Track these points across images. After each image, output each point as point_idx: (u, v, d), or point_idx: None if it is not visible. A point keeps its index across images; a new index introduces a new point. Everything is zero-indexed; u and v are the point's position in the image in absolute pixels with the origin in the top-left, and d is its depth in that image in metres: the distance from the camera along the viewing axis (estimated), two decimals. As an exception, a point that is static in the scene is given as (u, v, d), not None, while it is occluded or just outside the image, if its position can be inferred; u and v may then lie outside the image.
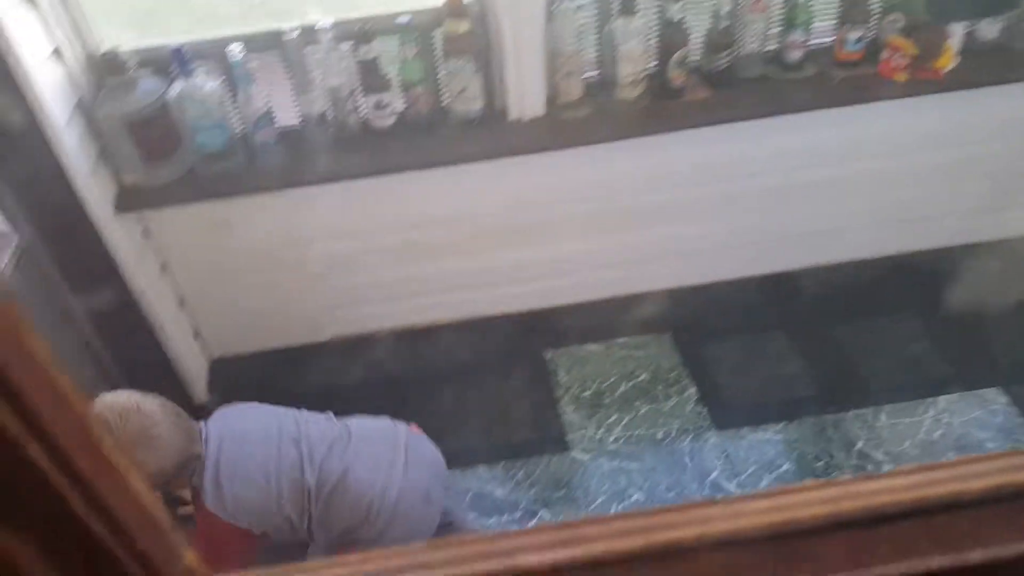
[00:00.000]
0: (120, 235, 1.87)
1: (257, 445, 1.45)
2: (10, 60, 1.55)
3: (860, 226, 2.37)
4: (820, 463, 2.06)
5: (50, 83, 1.67)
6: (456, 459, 2.09)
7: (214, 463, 1.40)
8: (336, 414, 2.18)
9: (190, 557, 0.35)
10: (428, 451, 1.62)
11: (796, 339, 2.33)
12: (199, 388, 2.25)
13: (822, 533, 0.39)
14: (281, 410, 1.58)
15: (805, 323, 2.38)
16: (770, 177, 2.18)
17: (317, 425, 1.56)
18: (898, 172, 2.24)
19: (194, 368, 2.23)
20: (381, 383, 2.29)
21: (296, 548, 1.57)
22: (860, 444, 2.09)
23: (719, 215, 2.26)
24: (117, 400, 1.33)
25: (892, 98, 2.00)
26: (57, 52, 1.72)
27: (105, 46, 1.82)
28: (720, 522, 0.38)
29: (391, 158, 1.91)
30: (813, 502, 0.39)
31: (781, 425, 2.14)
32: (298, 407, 2.20)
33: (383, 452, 1.51)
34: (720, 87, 2.00)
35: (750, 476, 2.05)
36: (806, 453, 2.08)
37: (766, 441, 2.12)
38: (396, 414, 2.20)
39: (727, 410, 2.19)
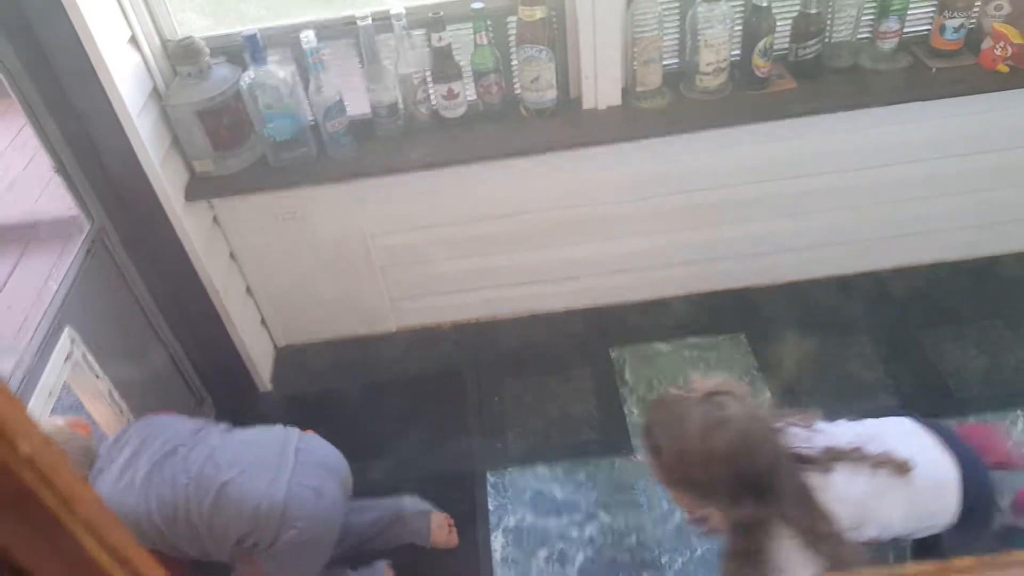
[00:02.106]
0: (190, 223, 1.88)
1: (131, 459, 1.48)
2: (89, 46, 1.55)
3: (953, 226, 2.25)
4: (898, 475, 1.95)
5: (126, 70, 1.68)
6: (516, 457, 2.05)
7: (94, 477, 1.46)
8: (393, 407, 2.17)
9: None
10: (321, 451, 1.63)
11: (878, 344, 2.22)
12: (264, 376, 2.25)
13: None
14: (180, 421, 1.61)
15: (889, 327, 2.26)
16: (858, 173, 2.09)
17: (208, 436, 1.58)
18: (997, 169, 2.12)
19: (259, 356, 2.23)
20: (443, 377, 2.27)
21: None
22: (942, 456, 1.97)
23: (802, 212, 2.17)
24: None
25: (994, 91, 1.89)
26: (134, 39, 1.73)
27: (180, 33, 1.81)
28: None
29: (461, 149, 1.87)
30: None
31: (858, 434, 2.03)
32: (352, 399, 2.21)
33: (269, 457, 1.54)
34: (807, 77, 1.92)
35: (822, 486, 1.95)
36: (884, 464, 1.97)
37: (841, 450, 2.02)
38: (457, 408, 2.18)
39: (801, 417, 2.09)
